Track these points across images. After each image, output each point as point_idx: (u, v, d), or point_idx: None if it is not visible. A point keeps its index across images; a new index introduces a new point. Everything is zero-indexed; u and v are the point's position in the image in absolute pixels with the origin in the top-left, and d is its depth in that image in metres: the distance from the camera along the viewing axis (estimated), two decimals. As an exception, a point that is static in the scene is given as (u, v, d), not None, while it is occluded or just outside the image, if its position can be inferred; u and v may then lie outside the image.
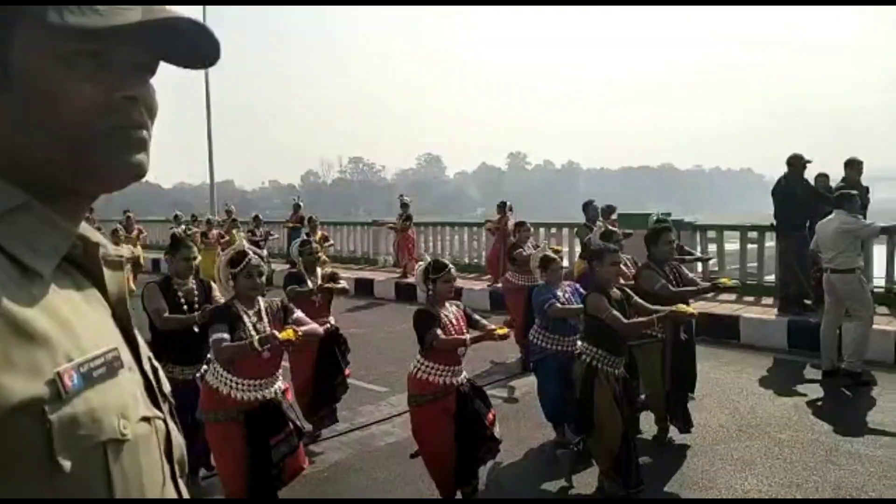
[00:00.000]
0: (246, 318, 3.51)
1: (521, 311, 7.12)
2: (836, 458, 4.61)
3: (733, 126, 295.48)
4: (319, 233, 11.94)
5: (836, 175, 8.32)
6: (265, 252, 12.29)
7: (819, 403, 5.73)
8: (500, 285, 11.14)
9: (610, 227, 6.51)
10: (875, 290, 8.62)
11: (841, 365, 6.41)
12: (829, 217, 6.51)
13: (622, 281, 5.02)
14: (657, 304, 4.18)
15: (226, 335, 3.37)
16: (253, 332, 3.44)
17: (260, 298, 3.67)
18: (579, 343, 4.27)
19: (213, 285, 4.35)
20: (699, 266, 9.43)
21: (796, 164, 8.25)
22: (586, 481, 4.36)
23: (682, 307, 3.83)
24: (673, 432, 5.04)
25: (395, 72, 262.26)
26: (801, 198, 8.21)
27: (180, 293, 4.25)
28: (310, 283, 5.36)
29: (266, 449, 3.49)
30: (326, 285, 5.42)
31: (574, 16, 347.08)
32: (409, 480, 4.53)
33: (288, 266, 14.13)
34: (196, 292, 4.30)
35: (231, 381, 3.49)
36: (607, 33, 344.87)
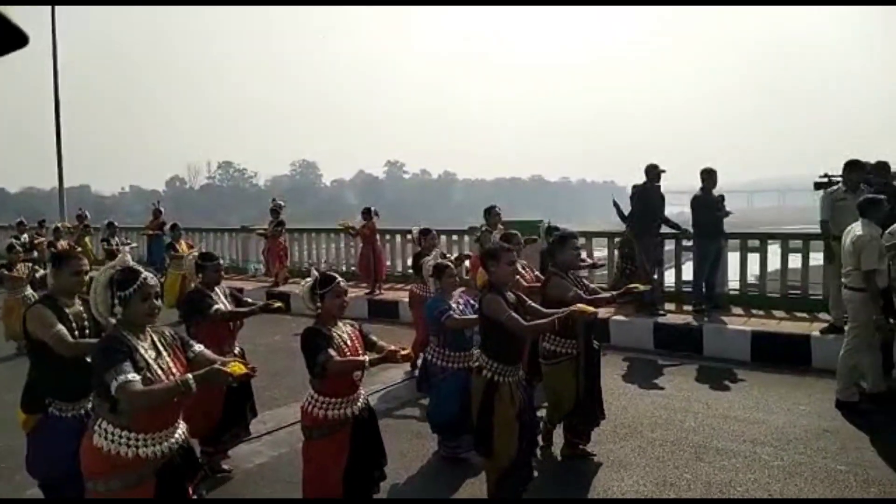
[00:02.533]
0: (143, 352, 2.81)
1: (424, 324, 6.81)
2: (705, 455, 4.76)
3: (597, 140, 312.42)
4: (183, 242, 11.09)
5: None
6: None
7: (685, 402, 5.93)
8: (377, 293, 10.96)
9: (510, 231, 6.24)
10: (730, 292, 9.24)
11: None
12: (852, 225, 5.64)
13: (523, 284, 4.88)
14: None
15: (136, 375, 2.66)
16: (158, 370, 2.79)
17: (147, 328, 2.97)
18: (476, 353, 4.04)
19: None
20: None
21: (651, 173, 8.80)
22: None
23: (581, 306, 3.62)
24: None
25: (267, 74, 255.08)
26: (655, 203, 8.81)
27: (70, 315, 3.56)
28: (220, 304, 4.73)
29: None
30: (275, 304, 4.96)
31: (447, 26, 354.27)
32: (278, 504, 4.19)
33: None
34: (85, 315, 3.61)
35: (134, 438, 2.75)
36: (481, 52, 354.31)
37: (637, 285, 4.73)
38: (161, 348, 2.90)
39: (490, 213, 9.07)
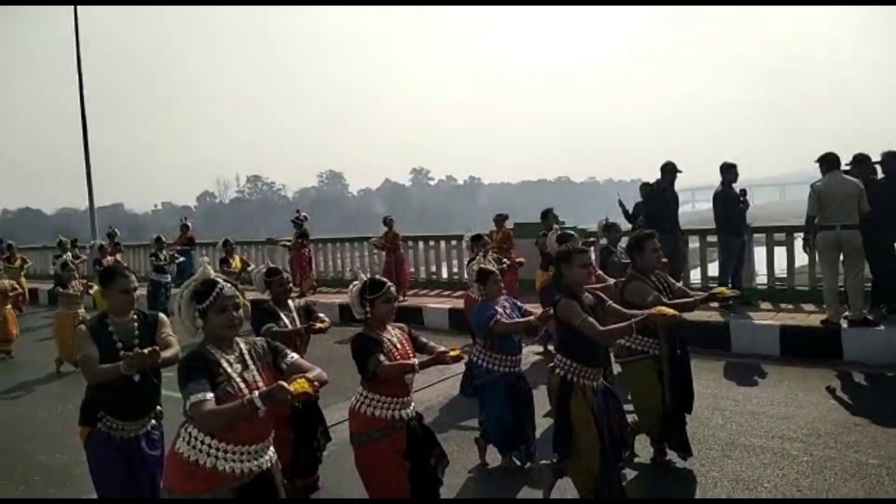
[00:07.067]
0: (226, 365, 2.70)
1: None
2: (732, 452, 4.70)
3: (623, 140, 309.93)
4: (237, 257, 11.14)
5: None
6: (168, 277, 11.54)
7: (712, 399, 5.86)
8: (401, 300, 11.01)
9: (566, 232, 6.02)
10: (759, 286, 9.12)
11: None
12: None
13: (595, 283, 4.68)
14: None
15: (208, 395, 2.54)
16: (241, 384, 2.67)
17: (239, 339, 2.85)
18: (554, 354, 3.89)
19: (161, 318, 3.60)
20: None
21: (667, 170, 8.87)
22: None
23: (661, 309, 3.47)
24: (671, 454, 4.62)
25: (293, 88, 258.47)
26: (671, 204, 8.81)
27: (115, 334, 3.44)
28: (285, 319, 4.57)
29: None
30: (317, 326, 4.57)
31: (465, 37, 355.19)
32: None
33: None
34: (137, 329, 3.50)
35: (216, 448, 2.63)
36: (502, 57, 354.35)
37: (723, 290, 4.39)
38: (249, 361, 2.79)
39: (547, 216, 8.83)
